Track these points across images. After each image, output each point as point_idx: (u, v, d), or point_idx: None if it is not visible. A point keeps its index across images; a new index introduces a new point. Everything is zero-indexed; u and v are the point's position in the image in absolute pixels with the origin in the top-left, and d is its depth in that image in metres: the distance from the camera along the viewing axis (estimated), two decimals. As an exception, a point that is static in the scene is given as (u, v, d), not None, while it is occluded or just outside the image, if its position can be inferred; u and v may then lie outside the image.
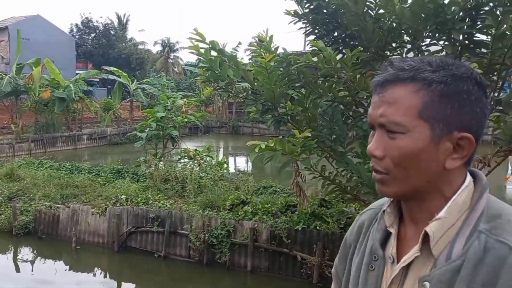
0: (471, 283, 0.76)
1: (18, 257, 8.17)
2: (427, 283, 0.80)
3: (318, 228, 6.62)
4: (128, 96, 27.48)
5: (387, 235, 0.93)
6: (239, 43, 28.55)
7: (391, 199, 0.93)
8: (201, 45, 5.36)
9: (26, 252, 8.34)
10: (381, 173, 0.86)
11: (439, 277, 0.79)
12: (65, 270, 7.56)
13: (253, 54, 5.50)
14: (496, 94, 4.93)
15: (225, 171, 11.28)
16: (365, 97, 5.34)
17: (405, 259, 0.86)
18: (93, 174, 11.14)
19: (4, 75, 21.79)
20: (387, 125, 0.83)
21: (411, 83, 0.82)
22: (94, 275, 7.38)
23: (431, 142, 0.81)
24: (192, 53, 5.92)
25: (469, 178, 0.86)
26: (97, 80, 35.59)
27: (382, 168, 0.85)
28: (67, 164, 12.07)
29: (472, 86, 0.82)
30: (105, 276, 7.36)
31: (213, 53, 5.77)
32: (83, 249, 8.08)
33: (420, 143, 0.81)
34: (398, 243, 0.90)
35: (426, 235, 0.83)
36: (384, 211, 0.93)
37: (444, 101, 0.81)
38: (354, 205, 6.87)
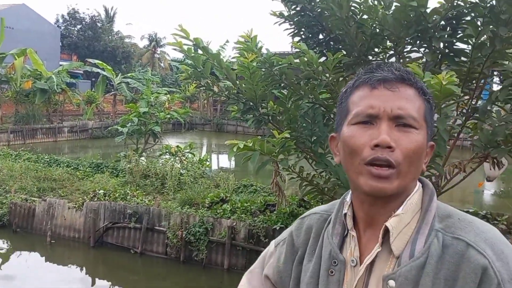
0: (435, 278, 0.80)
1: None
2: (392, 282, 0.82)
3: (295, 228, 6.64)
4: (112, 90, 27.15)
5: (343, 239, 0.94)
6: (227, 41, 28.43)
7: (349, 203, 0.93)
8: (185, 41, 5.33)
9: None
10: (390, 168, 0.84)
11: (405, 274, 0.81)
12: (39, 264, 7.44)
13: (238, 53, 5.50)
14: (473, 102, 5.03)
15: (207, 168, 11.25)
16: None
17: (368, 257, 0.87)
18: (72, 167, 10.98)
19: (-16, 64, 21.32)
20: (406, 117, 0.85)
21: (414, 87, 0.89)
22: (69, 270, 7.27)
23: (426, 143, 0.89)
24: (175, 49, 5.90)
25: (418, 182, 0.92)
26: (81, 72, 35.05)
27: (393, 160, 0.83)
28: (46, 157, 11.87)
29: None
30: (80, 271, 7.26)
31: (199, 51, 5.75)
32: (58, 244, 7.95)
33: (424, 142, 0.88)
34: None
35: (386, 232, 0.86)
36: (345, 214, 0.94)
37: (430, 111, 0.91)
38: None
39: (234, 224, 6.99)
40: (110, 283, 6.96)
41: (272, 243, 1.11)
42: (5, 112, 21.77)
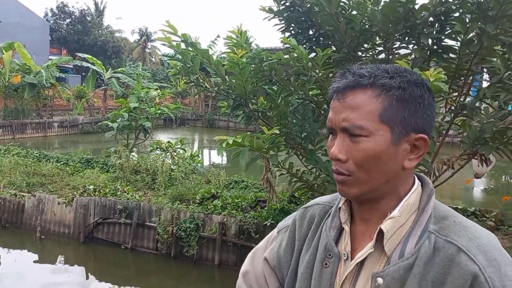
0: (422, 280, 0.81)
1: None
2: (380, 279, 0.84)
3: (286, 224, 6.67)
4: (102, 85, 26.94)
5: (340, 232, 0.96)
6: (218, 36, 28.28)
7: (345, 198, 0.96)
8: (174, 37, 5.31)
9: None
10: (343, 175, 0.89)
11: (392, 273, 0.83)
12: (29, 260, 7.39)
13: (228, 49, 5.49)
14: (462, 99, 5.07)
15: (198, 164, 11.22)
16: (335, 96, 5.40)
17: (360, 255, 0.89)
18: (62, 163, 10.90)
19: (-28, 58, 21.03)
20: (351, 129, 0.86)
21: (371, 89, 0.86)
22: (59, 266, 7.24)
23: (392, 143, 0.86)
24: (164, 45, 5.87)
25: (417, 181, 0.92)
26: (71, 67, 34.74)
27: (345, 170, 0.88)
28: (35, 152, 11.77)
29: (424, 92, 0.88)
30: (71, 267, 7.23)
31: (185, 46, 5.72)
32: (48, 239, 7.92)
33: (382, 145, 0.85)
34: (351, 241, 0.93)
35: (380, 232, 0.87)
36: (339, 208, 0.96)
37: (401, 105, 0.86)
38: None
39: (225, 220, 7.00)
40: (100, 278, 6.93)
41: (277, 227, 1.13)
42: (-6, 107, 21.53)
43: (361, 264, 0.89)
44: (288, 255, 1.03)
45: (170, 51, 39.30)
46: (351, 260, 0.90)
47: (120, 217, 7.57)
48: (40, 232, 7.93)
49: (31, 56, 22.18)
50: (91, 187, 8.57)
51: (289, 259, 1.02)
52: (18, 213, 8.47)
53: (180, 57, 5.80)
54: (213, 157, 19.05)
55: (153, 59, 51.32)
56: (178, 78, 34.65)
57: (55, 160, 11.13)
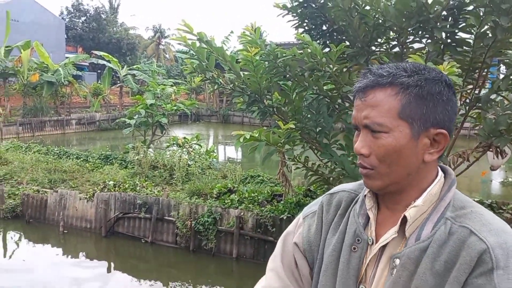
0: (435, 260, 0.88)
1: (6, 241, 8.22)
2: (397, 260, 0.92)
3: (302, 217, 6.76)
4: (118, 82, 27.28)
5: (368, 219, 1.04)
6: (231, 32, 28.30)
7: None
8: (189, 36, 5.43)
9: (13, 236, 8.39)
10: (367, 169, 0.96)
11: (408, 254, 0.91)
12: (53, 254, 7.64)
13: (241, 46, 5.59)
14: (476, 92, 5.09)
15: (214, 159, 11.37)
16: (349, 91, 5.47)
17: (383, 240, 0.96)
18: (81, 159, 11.16)
19: (-9, 58, 21.51)
20: (371, 126, 0.93)
21: (390, 87, 0.93)
22: (82, 259, 7.47)
23: (411, 138, 0.92)
24: (180, 44, 5.99)
25: (440, 172, 0.99)
26: (87, 64, 35.18)
27: (368, 165, 0.95)
28: (55, 149, 12.06)
29: (443, 88, 0.93)
30: (92, 261, 7.45)
31: (202, 45, 5.84)
32: (70, 234, 8.17)
33: (402, 140, 0.92)
34: (375, 226, 1.01)
35: (403, 219, 0.94)
36: (365, 196, 1.04)
37: (419, 102, 0.92)
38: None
39: (242, 214, 7.14)
40: (122, 271, 7.14)
41: (300, 215, 1.19)
42: (13, 105, 22.00)
43: (383, 248, 0.96)
44: (317, 239, 1.09)
45: (184, 48, 39.49)
46: (375, 244, 0.98)
47: (140, 211, 7.76)
48: (63, 227, 8.19)
49: (48, 55, 22.58)
50: (111, 182, 8.79)
51: (319, 243, 1.09)
52: (41, 209, 8.74)
53: (194, 54, 5.92)
54: (228, 152, 19.21)
55: (167, 56, 51.63)
56: (193, 76, 34.89)
57: (75, 156, 11.40)
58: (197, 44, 5.81)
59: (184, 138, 12.13)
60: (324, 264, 1.04)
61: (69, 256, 7.59)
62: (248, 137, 4.99)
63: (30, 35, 25.10)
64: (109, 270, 7.14)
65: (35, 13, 34.28)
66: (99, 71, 39.03)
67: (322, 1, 5.33)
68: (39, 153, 11.66)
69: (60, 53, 34.40)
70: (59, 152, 11.80)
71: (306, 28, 5.86)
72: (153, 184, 9.06)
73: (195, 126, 25.39)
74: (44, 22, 34.70)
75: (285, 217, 6.80)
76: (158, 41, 50.92)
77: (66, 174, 9.98)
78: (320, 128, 5.71)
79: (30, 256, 7.56)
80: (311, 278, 1.09)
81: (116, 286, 6.62)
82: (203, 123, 27.65)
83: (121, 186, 8.67)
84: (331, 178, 5.79)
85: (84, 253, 7.63)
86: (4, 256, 7.66)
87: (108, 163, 10.85)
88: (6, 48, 21.67)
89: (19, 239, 8.29)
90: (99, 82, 28.73)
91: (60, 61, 24.82)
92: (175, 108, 12.78)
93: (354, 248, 1.00)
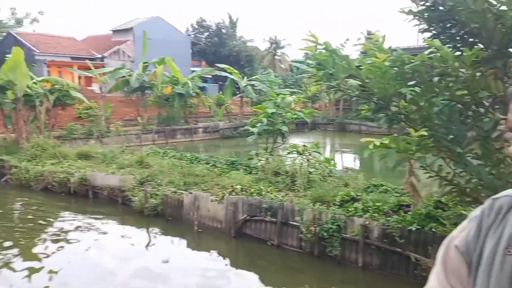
0: None
1: (149, 236, 9.26)
2: None
3: (434, 230, 6.48)
4: (238, 92, 28.82)
5: None
6: (347, 39, 28.10)
7: None
8: (312, 44, 5.62)
9: (155, 232, 9.40)
10: None
11: None
12: (188, 251, 8.40)
13: (362, 51, 5.61)
14: None
15: (332, 167, 11.41)
16: (485, 96, 5.14)
17: None
18: (210, 164, 12.05)
19: (132, 73, 24.35)
20: None
21: None
22: (214, 256, 8.07)
23: None
24: (306, 54, 6.22)
25: None
26: (210, 77, 37.78)
27: None
28: (188, 155, 13.21)
29: None
30: (224, 259, 8.00)
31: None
32: (203, 233, 8.90)
33: None
34: None
35: None
36: None
37: None
38: (473, 208, 6.59)
39: (367, 222, 7.07)
40: (249, 270, 7.54)
41: (468, 217, 1.22)
42: (149, 115, 24.60)
43: None
44: (475, 242, 1.12)
45: (300, 56, 40.25)
46: None
47: (266, 215, 8.16)
48: (198, 226, 8.96)
49: (178, 69, 24.83)
50: (238, 187, 9.37)
51: (475, 246, 1.11)
52: (178, 209, 9.67)
53: (311, 62, 6.09)
54: (345, 161, 19.01)
55: (282, 66, 52.90)
56: (312, 82, 35.28)
57: (204, 162, 12.37)
58: (319, 52, 5.98)
59: (304, 146, 12.38)
60: (481, 267, 1.07)
61: (203, 253, 8.25)
62: (378, 144, 4.99)
63: (161, 52, 27.80)
64: (238, 269, 7.59)
65: (165, 31, 37.89)
66: (220, 82, 41.63)
67: (451, 4, 5.12)
68: (174, 158, 12.88)
69: (186, 67, 37.43)
70: (191, 157, 12.90)
71: (434, 32, 5.66)
72: (276, 189, 9.44)
73: (312, 134, 25.60)
74: (172, 39, 38.14)
75: (414, 229, 6.57)
76: (274, 52, 52.51)
77: (197, 177, 10.86)
78: (452, 136, 5.43)
79: (169, 252, 8.40)
80: (470, 281, 1.12)
81: (244, 285, 7.02)
82: (319, 131, 27.75)
83: (247, 190, 9.20)
84: (468, 189, 5.47)
85: (216, 250, 8.23)
86: (147, 248, 8.62)
87: (234, 169, 11.54)
88: (144, 64, 24.35)
89: (160, 234, 9.25)
90: (221, 93, 30.64)
91: (186, 74, 27.05)
92: (295, 116, 13.12)
93: (509, 252, 1.00)
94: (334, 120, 28.44)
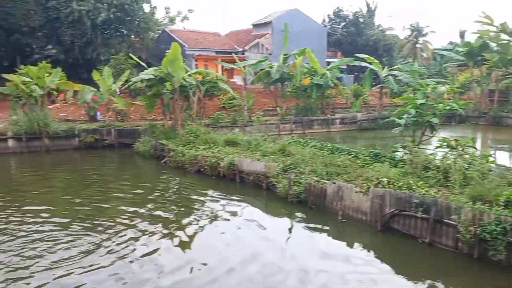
0: None
1: (292, 222, 9.52)
2: None
3: None
4: (374, 83, 27.78)
5: None
6: None
7: None
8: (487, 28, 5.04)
9: (299, 218, 9.60)
10: None
11: None
12: (332, 240, 8.38)
13: None
14: None
15: (490, 164, 10.28)
16: None
17: None
18: (352, 155, 11.85)
19: (272, 64, 25.18)
20: None
21: None
22: (358, 250, 7.86)
23: None
24: (480, 37, 5.64)
25: None
26: (345, 67, 37.07)
27: None
28: (328, 145, 13.19)
29: None
30: (368, 252, 7.77)
31: (504, 36, 5.36)
32: (347, 224, 8.81)
33: None
34: None
35: None
36: None
37: None
38: None
39: (542, 227, 6.22)
40: (397, 268, 7.15)
41: None
42: (287, 105, 25.22)
43: None
44: None
45: (444, 44, 36.95)
46: None
47: (416, 211, 7.72)
48: (341, 216, 8.91)
49: (317, 60, 24.88)
50: (385, 179, 9.04)
51: None
52: (321, 197, 9.74)
53: (460, 49, 5.47)
54: (503, 158, 17.00)
55: (423, 54, 49.38)
56: (459, 71, 32.28)
57: (345, 153, 12.21)
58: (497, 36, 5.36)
59: (456, 140, 11.39)
60: None
61: (346, 245, 8.13)
62: None
63: (297, 44, 28.10)
64: (383, 264, 7.28)
65: (301, 23, 38.15)
66: (356, 73, 40.59)
67: None
68: (315, 148, 12.99)
69: (322, 58, 37.28)
70: (332, 148, 12.85)
71: None
72: (427, 185, 8.86)
73: (460, 128, 23.46)
74: (309, 30, 38.24)
75: None
76: (414, 40, 49.24)
77: (339, 168, 10.78)
78: None
79: (308, 239, 8.48)
80: None
81: (389, 284, 6.68)
82: (469, 125, 25.26)
83: (394, 183, 8.82)
84: None
85: (359, 244, 8.04)
86: (290, 232, 8.85)
87: (377, 161, 11.16)
88: (284, 56, 24.97)
89: (304, 221, 9.41)
90: (358, 83, 29.88)
91: (322, 65, 26.94)
92: (447, 108, 12.13)
93: None
94: (487, 113, 25.56)
